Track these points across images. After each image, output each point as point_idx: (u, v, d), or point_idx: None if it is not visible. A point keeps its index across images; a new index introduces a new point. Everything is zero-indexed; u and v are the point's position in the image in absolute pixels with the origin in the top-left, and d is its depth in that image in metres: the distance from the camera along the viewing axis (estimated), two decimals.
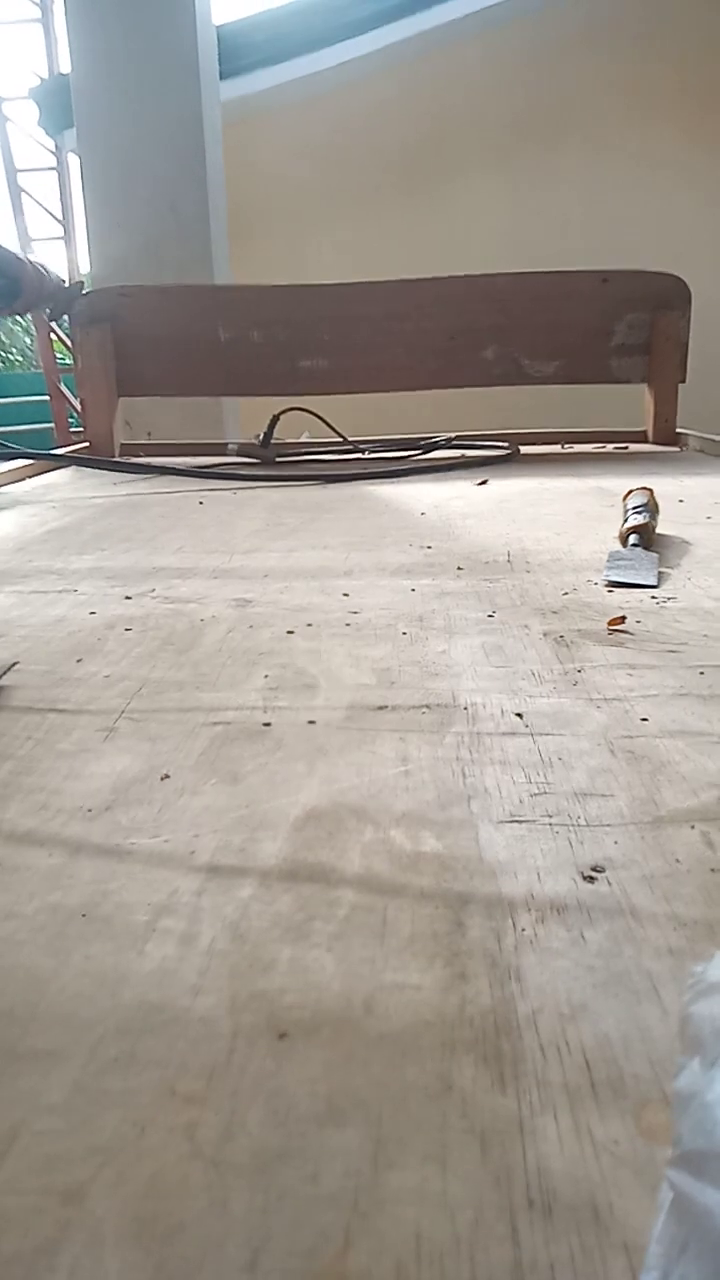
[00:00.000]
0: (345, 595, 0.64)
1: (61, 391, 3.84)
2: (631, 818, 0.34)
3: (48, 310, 1.47)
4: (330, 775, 0.37)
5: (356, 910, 0.28)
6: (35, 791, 0.37)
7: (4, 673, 0.50)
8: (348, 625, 0.57)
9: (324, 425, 1.50)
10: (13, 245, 3.84)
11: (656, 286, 1.52)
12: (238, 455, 1.55)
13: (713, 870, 0.30)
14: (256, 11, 3.32)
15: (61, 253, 3.89)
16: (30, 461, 1.42)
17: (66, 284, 1.46)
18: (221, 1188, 0.19)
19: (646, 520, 0.78)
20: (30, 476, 1.39)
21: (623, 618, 0.57)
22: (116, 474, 1.37)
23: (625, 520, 0.80)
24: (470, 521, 0.92)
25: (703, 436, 1.50)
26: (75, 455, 1.51)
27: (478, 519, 0.94)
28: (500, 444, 1.51)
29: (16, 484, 1.33)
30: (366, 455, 1.52)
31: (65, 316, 1.48)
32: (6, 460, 1.41)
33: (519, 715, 0.43)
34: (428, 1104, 0.21)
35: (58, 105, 3.36)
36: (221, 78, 2.72)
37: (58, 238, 3.85)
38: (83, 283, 1.49)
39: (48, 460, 1.46)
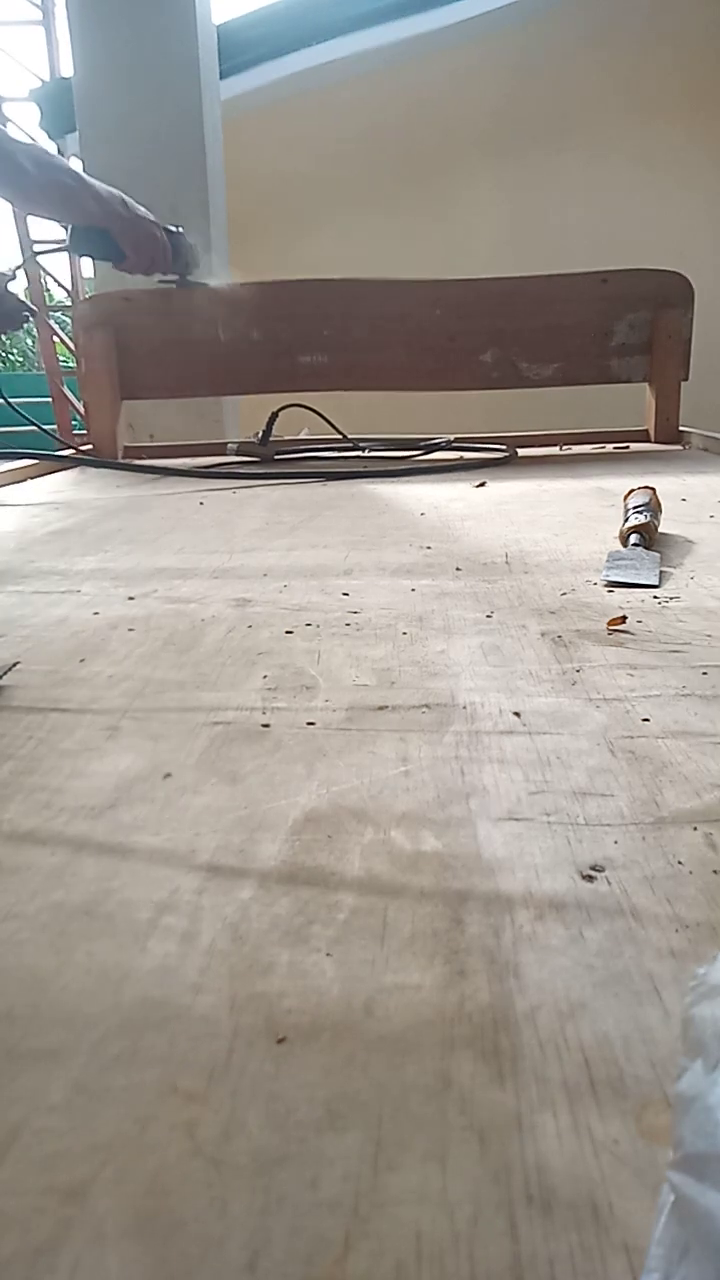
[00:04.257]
0: (345, 595, 0.64)
1: (64, 394, 3.85)
2: (632, 818, 0.34)
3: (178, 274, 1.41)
4: (330, 776, 0.37)
5: (356, 913, 0.28)
6: (38, 790, 0.37)
7: (6, 672, 0.50)
8: (347, 625, 0.57)
9: (323, 422, 1.50)
10: (14, 249, 3.84)
11: (658, 284, 1.52)
12: (237, 454, 1.55)
13: (715, 872, 0.30)
14: (255, 9, 3.33)
15: (64, 256, 3.90)
16: (35, 462, 1.43)
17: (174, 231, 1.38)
18: (222, 1186, 0.19)
19: (647, 519, 0.78)
20: (34, 477, 1.39)
21: (623, 618, 0.57)
22: (119, 475, 1.37)
23: (626, 520, 0.80)
24: (469, 523, 0.92)
25: (706, 435, 1.50)
26: (78, 456, 1.51)
27: (476, 520, 0.94)
28: (498, 446, 1.51)
29: (20, 485, 1.33)
30: (366, 454, 1.52)
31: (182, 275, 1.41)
32: (10, 461, 1.41)
33: (517, 714, 0.43)
34: (427, 1103, 0.21)
35: (59, 107, 3.36)
36: (220, 76, 2.73)
37: (61, 241, 3.85)
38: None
39: (51, 461, 1.46)
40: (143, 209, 1.32)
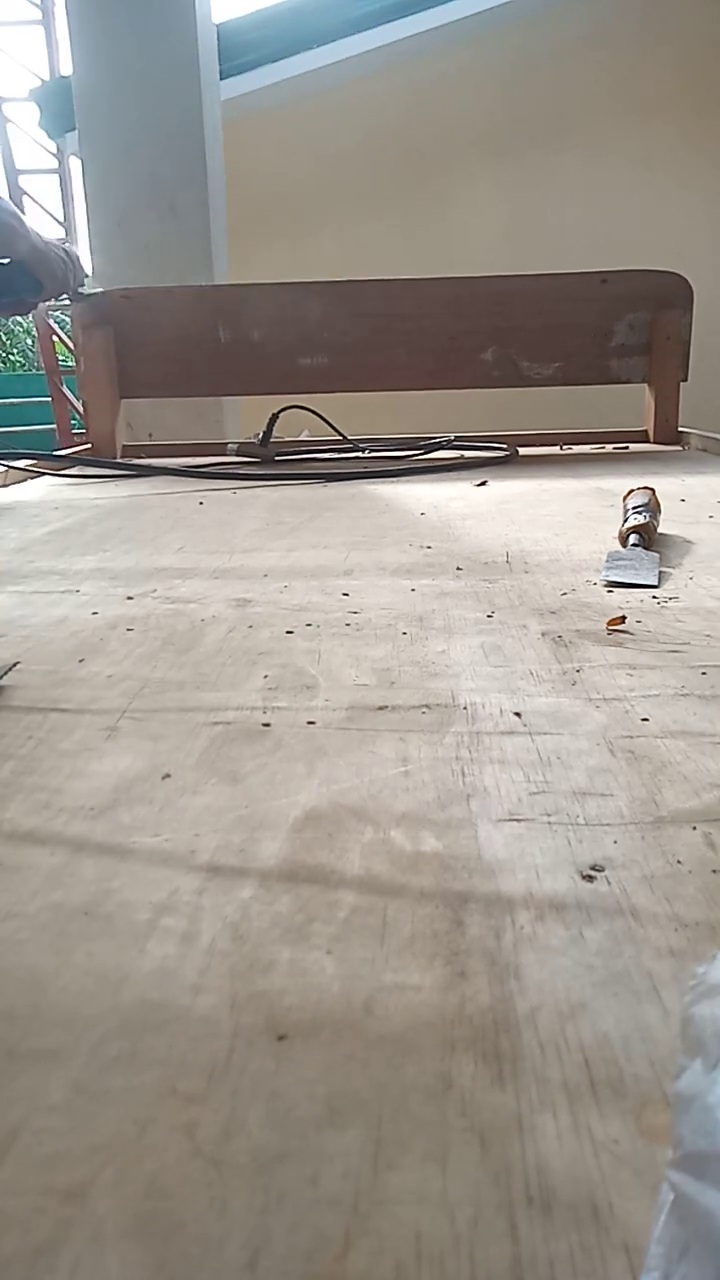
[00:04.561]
0: (345, 595, 0.64)
1: (63, 393, 3.85)
2: (631, 817, 0.34)
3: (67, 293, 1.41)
4: (330, 775, 0.37)
5: (356, 911, 0.28)
6: (38, 791, 0.37)
7: (6, 672, 0.50)
8: (348, 625, 0.57)
9: (323, 423, 1.50)
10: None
11: (658, 285, 1.52)
12: (237, 454, 1.55)
13: (714, 871, 0.30)
14: (255, 9, 3.33)
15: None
16: (33, 463, 1.43)
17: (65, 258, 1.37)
18: (222, 1186, 0.19)
19: (647, 520, 0.78)
20: (33, 478, 1.39)
21: (622, 618, 0.57)
22: (118, 475, 1.37)
23: (625, 520, 0.80)
24: (470, 522, 0.92)
25: (705, 435, 1.50)
26: (78, 456, 1.51)
27: (477, 520, 0.94)
28: (499, 445, 1.51)
29: (19, 485, 1.33)
30: (366, 454, 1.52)
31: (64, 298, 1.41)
32: (8, 462, 1.41)
33: (518, 714, 0.43)
34: (427, 1103, 0.21)
35: (59, 107, 3.36)
36: (220, 76, 2.73)
37: (60, 241, 3.85)
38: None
39: (50, 462, 1.46)
40: (46, 235, 1.31)
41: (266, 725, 0.43)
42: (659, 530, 0.80)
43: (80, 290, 1.44)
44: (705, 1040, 0.18)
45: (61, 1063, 0.22)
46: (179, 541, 0.86)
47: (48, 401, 3.93)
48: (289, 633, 0.56)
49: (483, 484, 1.19)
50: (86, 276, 1.44)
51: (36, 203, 3.78)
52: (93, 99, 2.52)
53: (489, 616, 0.59)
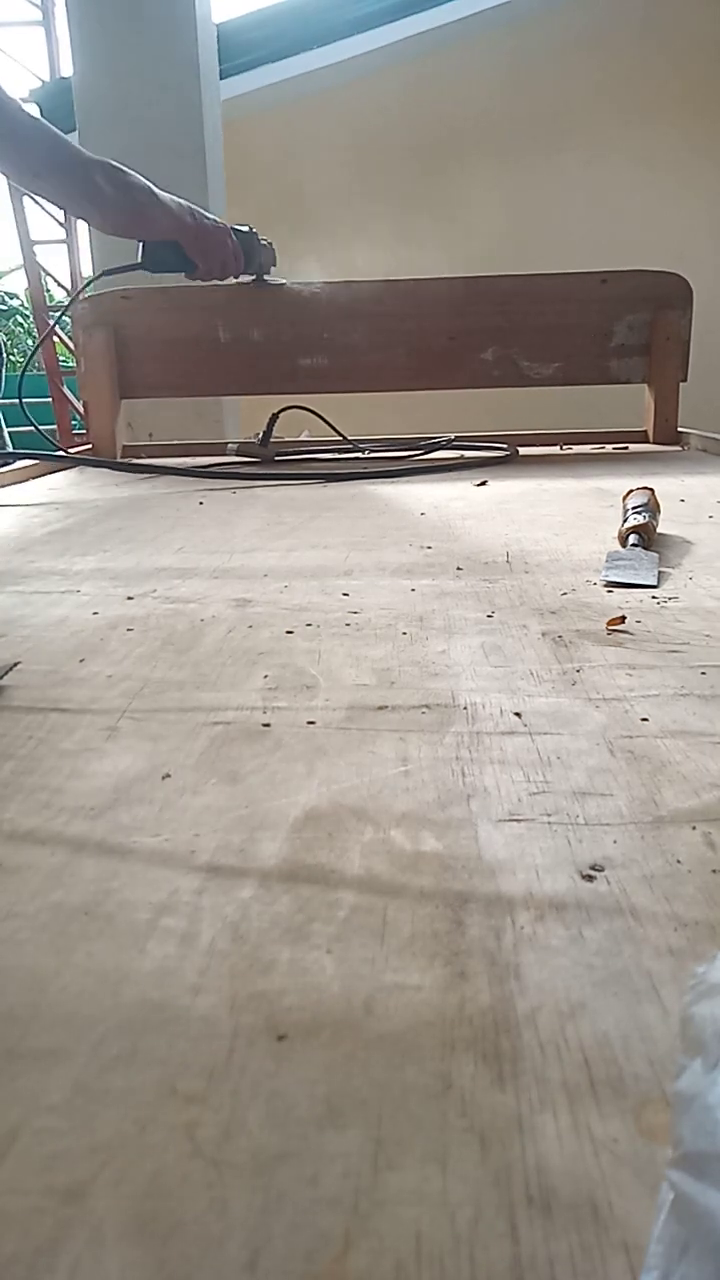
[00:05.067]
0: (345, 595, 0.64)
1: (64, 394, 3.85)
2: (631, 817, 0.34)
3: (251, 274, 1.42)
4: (330, 775, 0.37)
5: (356, 911, 0.28)
6: (38, 791, 0.37)
7: (6, 672, 0.50)
8: (348, 625, 0.57)
9: (323, 424, 1.50)
10: (14, 249, 3.85)
11: (657, 285, 1.52)
12: (237, 454, 1.55)
13: (714, 871, 0.30)
14: (255, 9, 3.33)
15: (64, 256, 3.90)
16: (34, 463, 1.43)
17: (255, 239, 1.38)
18: (222, 1186, 0.19)
19: (646, 520, 0.78)
20: (33, 478, 1.39)
21: (622, 618, 0.57)
22: (118, 475, 1.37)
23: (625, 520, 0.80)
24: (470, 522, 0.92)
25: (705, 435, 1.50)
26: (78, 456, 1.51)
27: (477, 520, 0.94)
28: (499, 445, 1.51)
29: (20, 485, 1.33)
30: (366, 455, 1.52)
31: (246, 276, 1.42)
32: (9, 461, 1.41)
33: (518, 714, 0.43)
34: (427, 1103, 0.21)
35: (59, 107, 3.36)
36: (220, 76, 2.73)
37: (60, 240, 3.87)
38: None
39: (51, 462, 1.46)
40: (212, 215, 1.33)
41: (266, 725, 0.43)
42: (658, 530, 0.80)
43: (265, 278, 1.44)
44: (705, 1040, 0.18)
45: (61, 1063, 0.22)
46: (179, 541, 0.86)
47: (48, 402, 3.93)
48: (289, 633, 0.56)
49: (483, 484, 1.19)
50: (273, 264, 1.45)
51: (37, 203, 3.78)
52: (93, 99, 2.53)
53: (489, 616, 0.59)
